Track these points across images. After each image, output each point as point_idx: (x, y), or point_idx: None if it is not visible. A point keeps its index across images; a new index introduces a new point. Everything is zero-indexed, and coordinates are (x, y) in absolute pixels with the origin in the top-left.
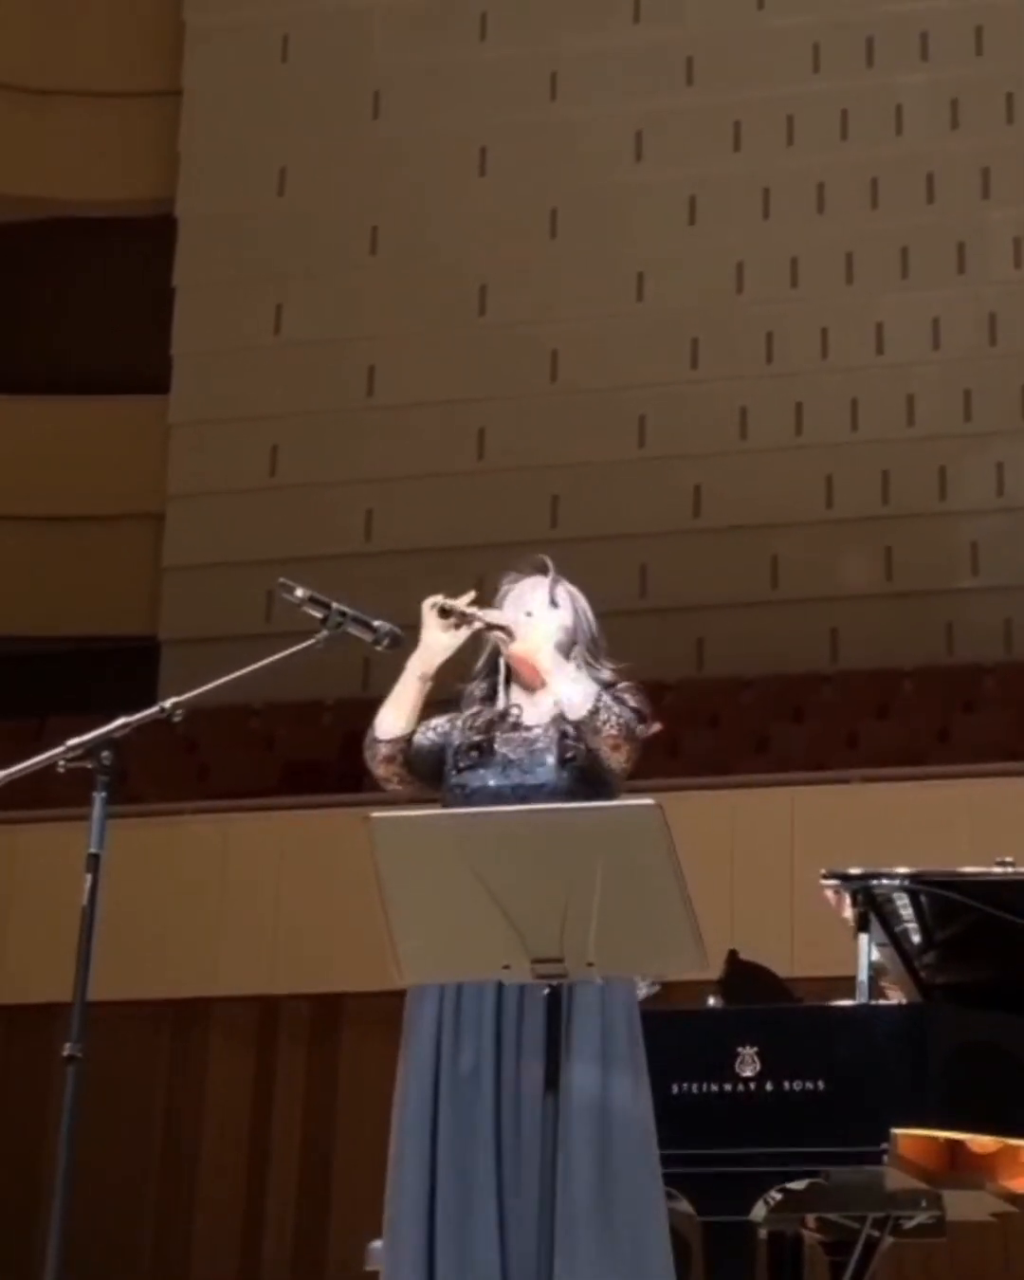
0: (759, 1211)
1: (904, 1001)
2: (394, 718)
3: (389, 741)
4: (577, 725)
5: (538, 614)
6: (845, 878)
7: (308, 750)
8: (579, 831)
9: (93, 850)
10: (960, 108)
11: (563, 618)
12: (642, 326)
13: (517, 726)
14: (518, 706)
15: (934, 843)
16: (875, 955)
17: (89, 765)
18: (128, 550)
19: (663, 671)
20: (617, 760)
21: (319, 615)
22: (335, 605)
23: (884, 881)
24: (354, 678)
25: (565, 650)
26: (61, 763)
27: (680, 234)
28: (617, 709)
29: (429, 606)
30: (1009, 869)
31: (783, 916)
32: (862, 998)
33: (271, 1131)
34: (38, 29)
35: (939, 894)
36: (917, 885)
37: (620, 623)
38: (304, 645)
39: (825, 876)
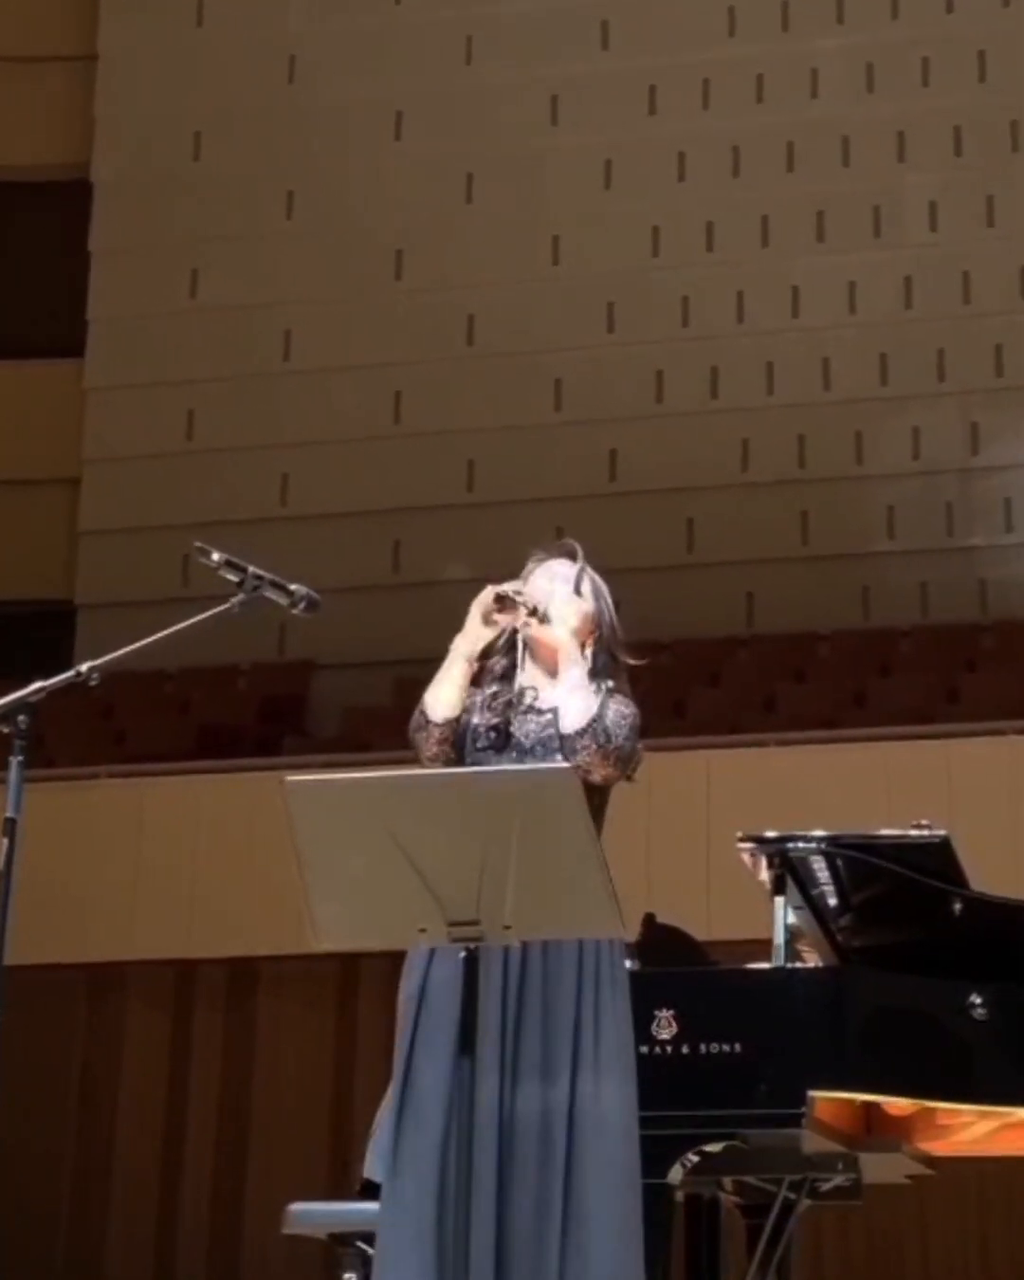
0: (676, 1175)
1: (821, 965)
2: (445, 700)
3: (443, 724)
4: (565, 735)
5: (559, 598)
6: (762, 841)
7: (224, 714)
8: (495, 794)
9: (10, 814)
10: (876, 72)
11: (586, 606)
12: (558, 291)
13: (532, 709)
14: (534, 689)
15: (851, 806)
16: (792, 918)
17: (5, 729)
18: (43, 515)
19: None
20: (596, 778)
21: (235, 579)
22: (251, 569)
23: (800, 845)
24: (270, 642)
25: (584, 642)
26: None
27: (596, 198)
28: (611, 730)
29: (479, 601)
30: (926, 832)
31: (699, 879)
32: (778, 961)
33: (188, 1095)
34: None
35: (856, 857)
36: (833, 848)
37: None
38: (220, 609)
39: (742, 839)
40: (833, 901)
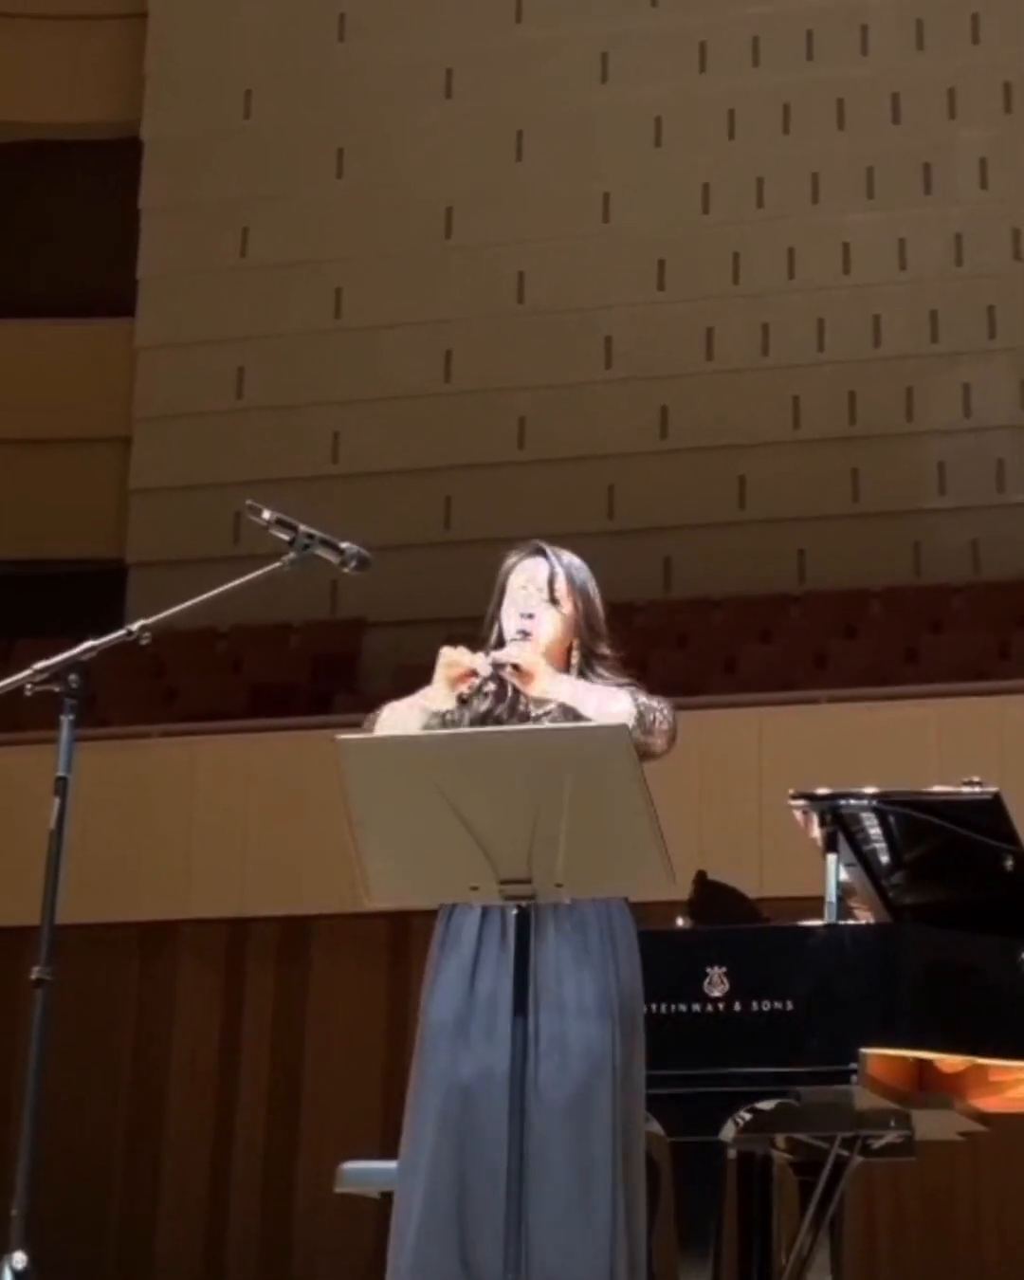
0: (728, 1132)
1: (873, 921)
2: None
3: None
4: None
5: (538, 617)
6: (813, 798)
7: (275, 673)
8: (547, 752)
9: (61, 773)
10: (926, 28)
11: (565, 610)
12: (608, 248)
13: (523, 716)
14: (521, 694)
15: (902, 763)
16: (844, 875)
17: (56, 689)
18: (95, 473)
19: (631, 592)
20: (665, 747)
21: (286, 538)
22: (302, 528)
23: (852, 802)
24: (322, 600)
25: (566, 652)
26: (29, 686)
27: (646, 155)
28: (656, 705)
29: (445, 662)
30: (977, 789)
31: (751, 837)
32: (830, 918)
33: (241, 1053)
34: None
35: (907, 814)
36: (884, 805)
37: (588, 544)
38: (271, 568)
39: (794, 797)
40: (884, 858)
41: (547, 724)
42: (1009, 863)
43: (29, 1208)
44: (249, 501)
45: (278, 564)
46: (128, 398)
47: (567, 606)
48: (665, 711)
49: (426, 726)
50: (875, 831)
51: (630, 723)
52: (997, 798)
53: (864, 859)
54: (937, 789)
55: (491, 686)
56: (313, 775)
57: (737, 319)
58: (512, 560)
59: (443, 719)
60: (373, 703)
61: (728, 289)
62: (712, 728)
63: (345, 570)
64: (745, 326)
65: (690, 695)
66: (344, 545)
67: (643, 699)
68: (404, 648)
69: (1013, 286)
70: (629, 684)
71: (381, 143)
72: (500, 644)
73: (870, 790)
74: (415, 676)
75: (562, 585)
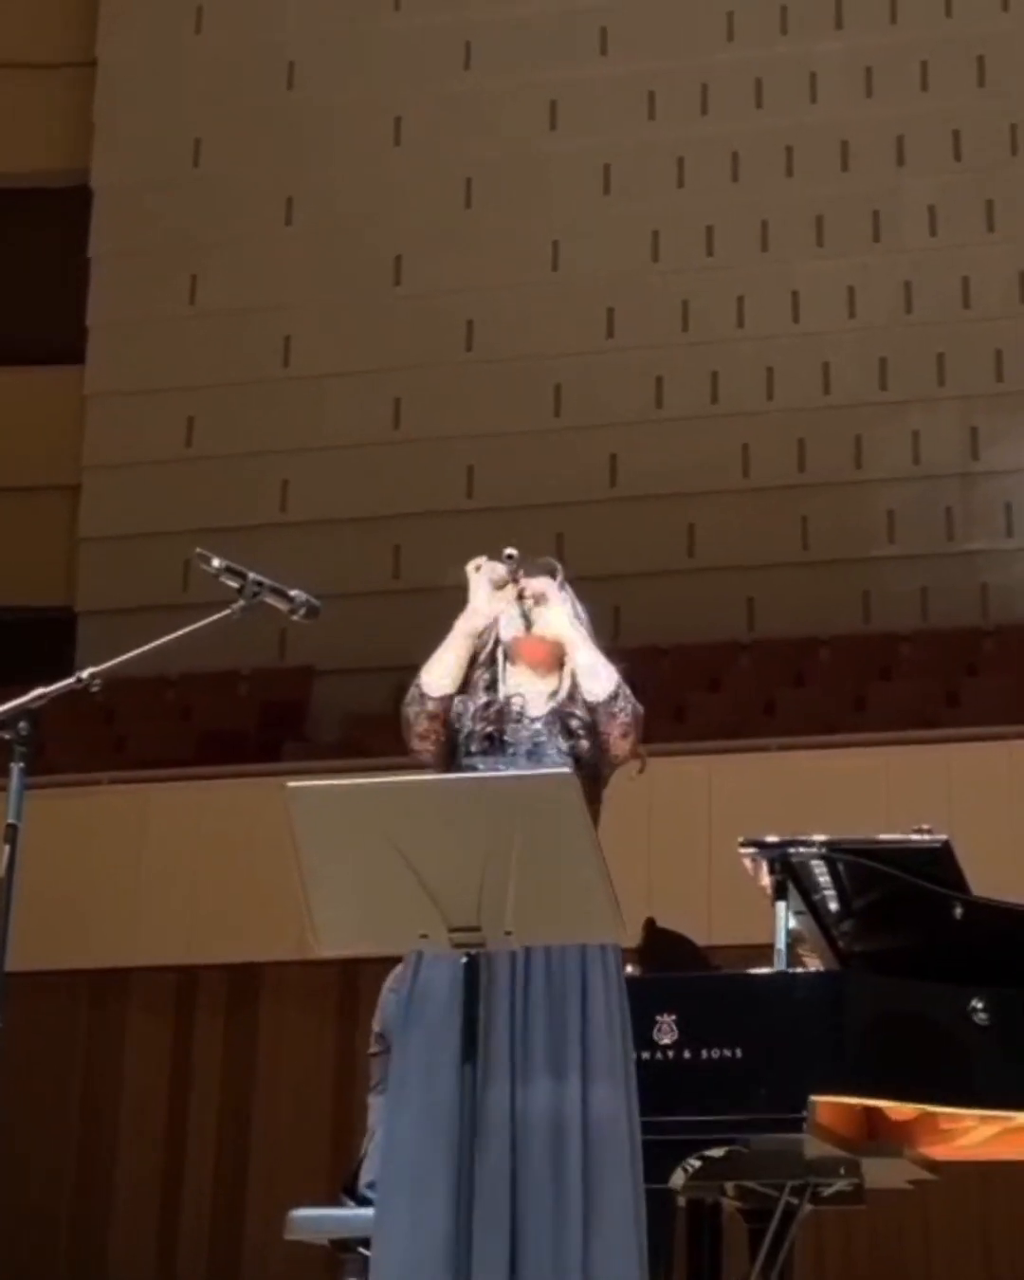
0: (678, 1179)
1: (822, 969)
2: (443, 676)
3: (439, 698)
4: (590, 706)
5: (549, 596)
6: (763, 845)
7: (225, 720)
8: (496, 800)
9: (11, 821)
10: (875, 75)
11: (573, 608)
12: (557, 295)
13: (521, 718)
14: (520, 695)
15: (852, 811)
16: (793, 923)
17: (6, 736)
18: (44, 521)
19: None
20: (622, 747)
21: (236, 585)
22: (252, 575)
23: (802, 849)
24: (271, 648)
25: (558, 658)
26: None
27: (595, 203)
28: (631, 697)
29: (474, 568)
30: (926, 837)
31: (700, 885)
32: (780, 965)
33: (190, 1100)
34: None
35: (857, 862)
36: (834, 853)
37: None
38: (221, 615)
39: (743, 844)
40: (834, 906)
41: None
42: (958, 910)
43: None
44: (198, 549)
45: (227, 611)
46: (77, 446)
47: (570, 601)
48: (636, 707)
49: (464, 655)
50: (825, 879)
51: (606, 693)
52: (946, 845)
53: (813, 907)
54: (886, 837)
55: (483, 681)
56: (262, 822)
57: (686, 366)
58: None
59: (476, 642)
60: (322, 751)
61: (677, 336)
62: (661, 776)
63: (294, 618)
64: (695, 374)
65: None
66: (293, 593)
67: (626, 689)
68: (353, 695)
69: (962, 334)
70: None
71: (330, 190)
72: (494, 650)
73: (820, 838)
74: (365, 726)
75: (570, 596)
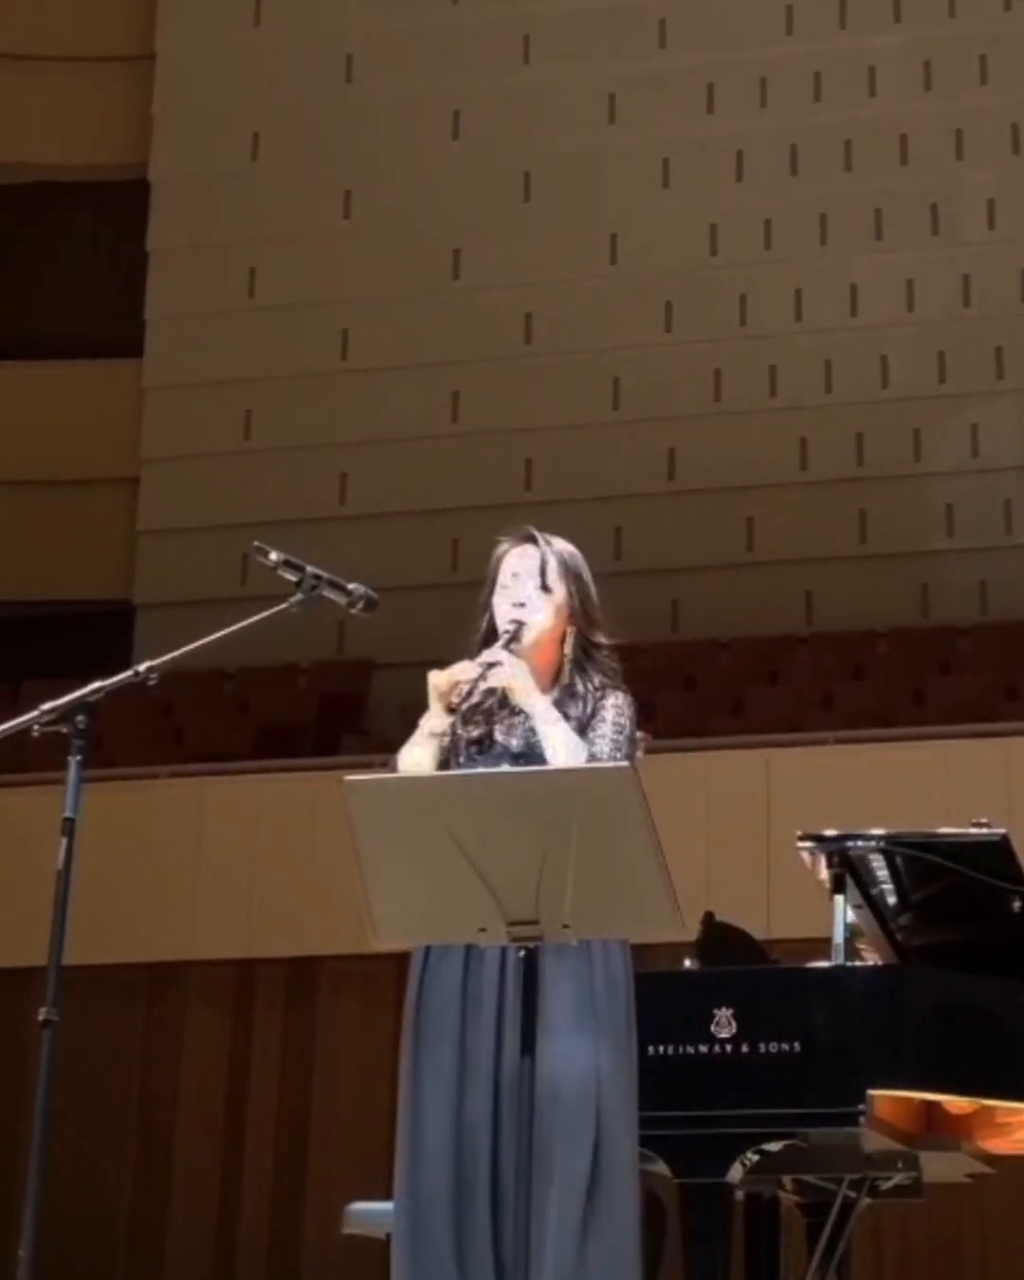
0: (736, 1173)
1: (880, 963)
2: (418, 766)
3: None
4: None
5: (530, 605)
6: (821, 839)
7: (283, 714)
8: (555, 793)
9: (68, 814)
10: (933, 69)
11: (556, 596)
12: (615, 289)
13: (514, 712)
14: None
15: (910, 804)
16: (851, 917)
17: (64, 730)
18: (103, 515)
19: (638, 634)
20: None
21: (293, 578)
22: (310, 569)
23: (860, 843)
24: (329, 641)
25: (559, 640)
26: (36, 727)
27: (654, 197)
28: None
29: (433, 685)
30: (984, 830)
31: (759, 878)
32: (838, 959)
33: (248, 1095)
34: None
35: (915, 855)
36: (892, 847)
37: (595, 586)
38: (278, 609)
39: (801, 838)
40: (892, 900)
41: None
42: (1017, 904)
43: (36, 1249)
44: (256, 543)
45: (285, 605)
46: (135, 439)
47: (559, 593)
48: (618, 760)
49: (434, 754)
50: (883, 873)
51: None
52: (1004, 839)
53: (871, 900)
54: (944, 830)
55: (481, 705)
56: (320, 816)
57: (744, 361)
58: (502, 548)
59: (440, 743)
60: (380, 745)
61: (735, 330)
62: (719, 769)
63: (353, 611)
64: (753, 368)
65: (697, 737)
66: (351, 586)
67: (605, 747)
68: (412, 689)
69: (1020, 327)
70: (612, 686)
71: (389, 184)
72: (492, 634)
73: (878, 831)
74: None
75: (554, 570)
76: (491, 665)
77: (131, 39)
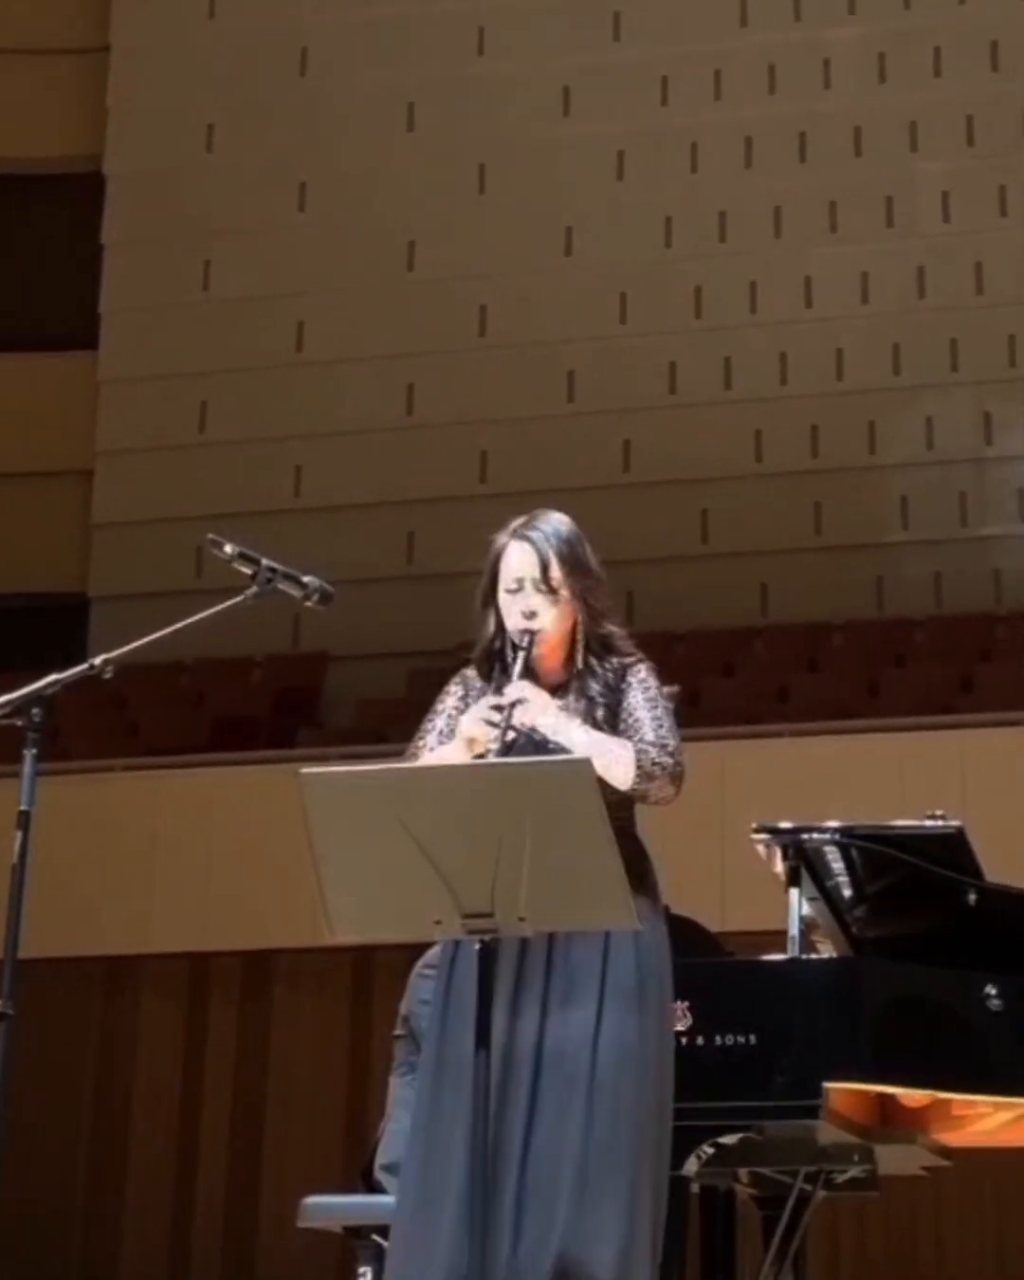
0: (691, 1166)
1: (835, 955)
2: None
3: None
4: (627, 794)
5: (540, 614)
6: (776, 832)
7: (238, 706)
8: (509, 786)
9: (23, 807)
10: (888, 61)
11: (562, 596)
12: (570, 281)
13: (543, 747)
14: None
15: (865, 797)
16: (806, 909)
17: (19, 722)
18: (57, 507)
19: None
20: (664, 798)
21: (249, 571)
22: (265, 561)
23: (815, 836)
24: (285, 634)
25: (570, 638)
26: None
27: (609, 189)
28: (659, 759)
29: (465, 739)
30: (940, 822)
31: (714, 871)
32: (793, 952)
33: (203, 1088)
34: None
35: (870, 848)
36: (847, 839)
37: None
38: (234, 601)
39: (756, 830)
40: (848, 892)
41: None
42: (972, 897)
43: None
44: (211, 535)
45: (240, 598)
46: (90, 432)
47: (564, 592)
48: (670, 758)
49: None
50: (838, 865)
51: (632, 778)
52: (960, 831)
53: (827, 893)
54: (900, 823)
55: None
56: (276, 809)
57: (699, 353)
58: (500, 542)
59: (447, 722)
60: (336, 737)
61: (690, 323)
62: None
63: (308, 604)
64: (708, 360)
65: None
66: (306, 579)
67: (653, 754)
68: (367, 682)
69: (975, 320)
70: (638, 659)
71: (343, 176)
72: (499, 630)
73: (833, 824)
74: (379, 712)
75: (555, 569)
76: (516, 703)
77: (86, 31)
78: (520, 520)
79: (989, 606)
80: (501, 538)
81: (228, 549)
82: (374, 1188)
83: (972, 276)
